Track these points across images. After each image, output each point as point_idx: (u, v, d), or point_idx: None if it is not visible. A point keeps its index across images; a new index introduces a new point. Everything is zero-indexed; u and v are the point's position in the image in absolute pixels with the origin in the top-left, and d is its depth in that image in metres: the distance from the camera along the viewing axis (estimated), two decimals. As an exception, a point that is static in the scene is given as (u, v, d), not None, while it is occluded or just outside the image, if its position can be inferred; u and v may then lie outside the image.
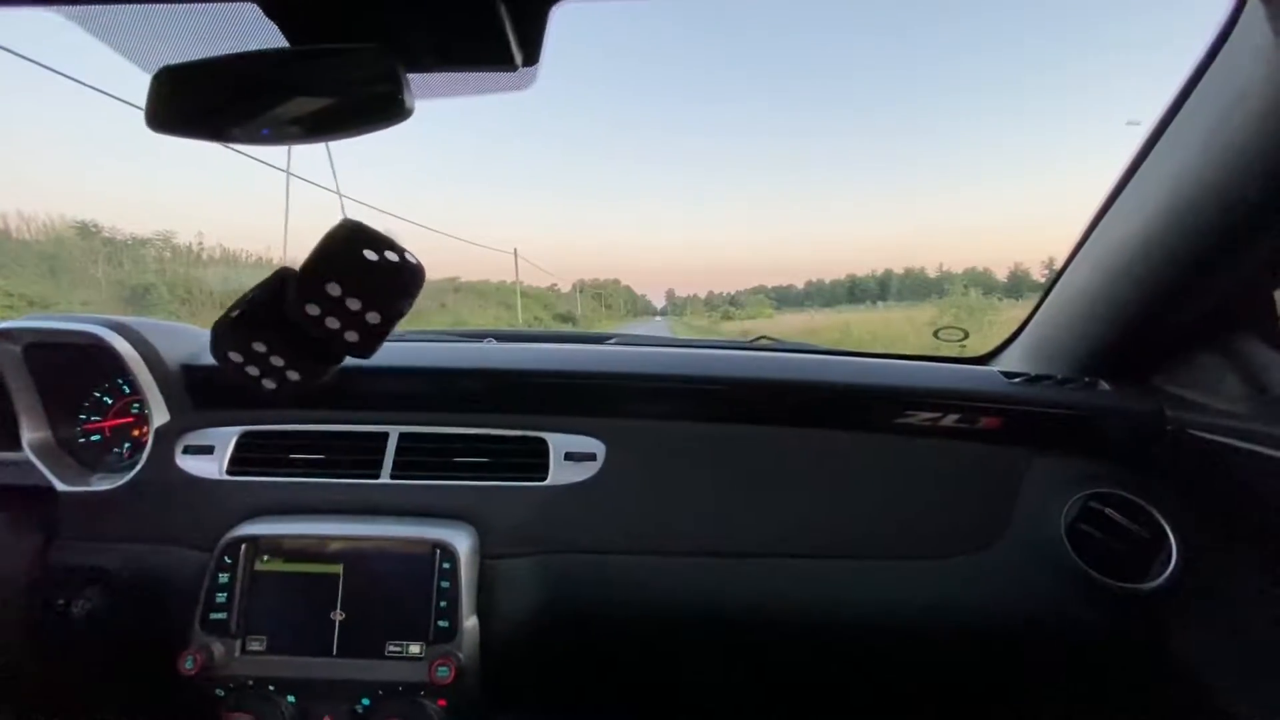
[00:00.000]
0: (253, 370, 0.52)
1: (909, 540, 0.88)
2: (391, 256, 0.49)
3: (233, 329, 0.51)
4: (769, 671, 0.94)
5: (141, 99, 0.51)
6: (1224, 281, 0.76)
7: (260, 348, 0.51)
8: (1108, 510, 0.84)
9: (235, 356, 0.51)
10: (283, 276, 0.51)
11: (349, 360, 0.95)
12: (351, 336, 0.50)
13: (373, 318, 0.49)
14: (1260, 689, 0.72)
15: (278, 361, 0.52)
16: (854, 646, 0.89)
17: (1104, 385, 0.93)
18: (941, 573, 0.86)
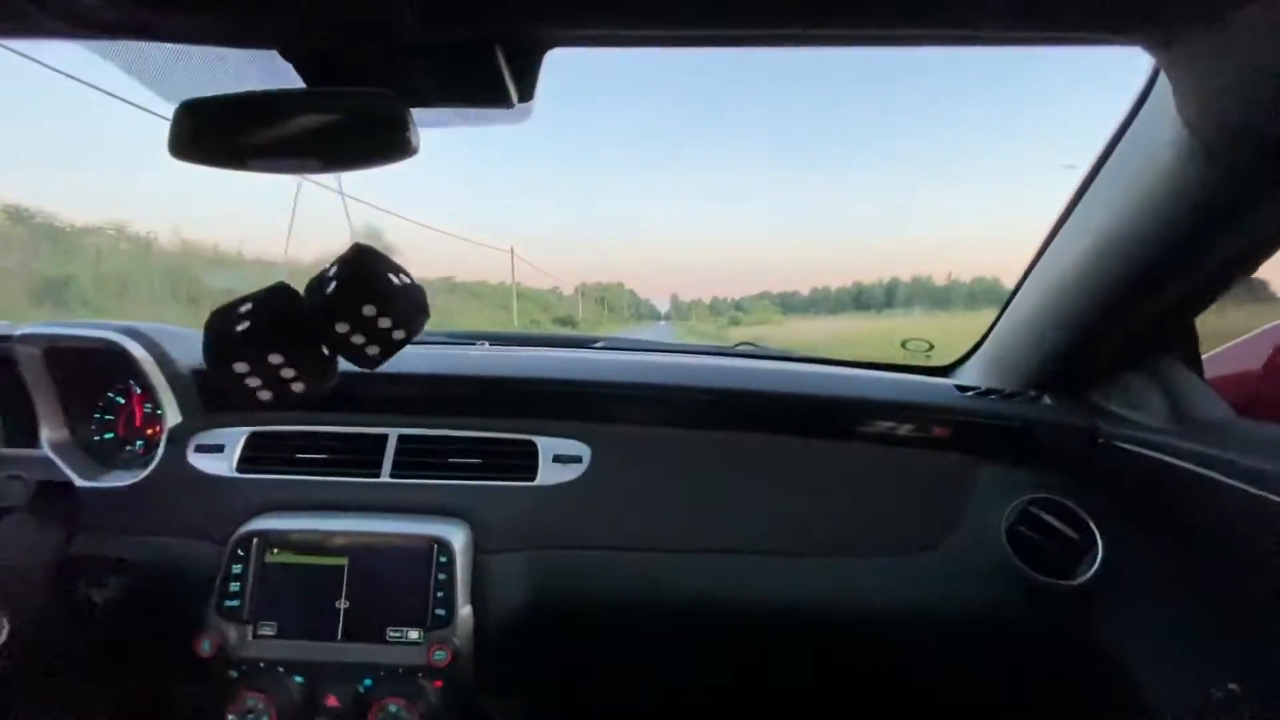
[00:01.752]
0: (253, 382, 0.51)
1: (868, 539, 0.97)
2: (405, 278, 0.53)
3: (244, 342, 0.50)
4: (738, 657, 1.03)
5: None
6: (1149, 310, 0.85)
7: (276, 360, 0.51)
8: (1043, 514, 0.93)
9: (240, 368, 0.50)
10: (287, 291, 0.54)
11: (345, 366, 1.02)
12: (373, 350, 0.53)
13: (399, 335, 0.52)
14: (1173, 677, 0.82)
15: (287, 374, 0.52)
16: (819, 638, 0.98)
17: (1046, 399, 1.02)
18: (895, 569, 0.95)
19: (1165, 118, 0.65)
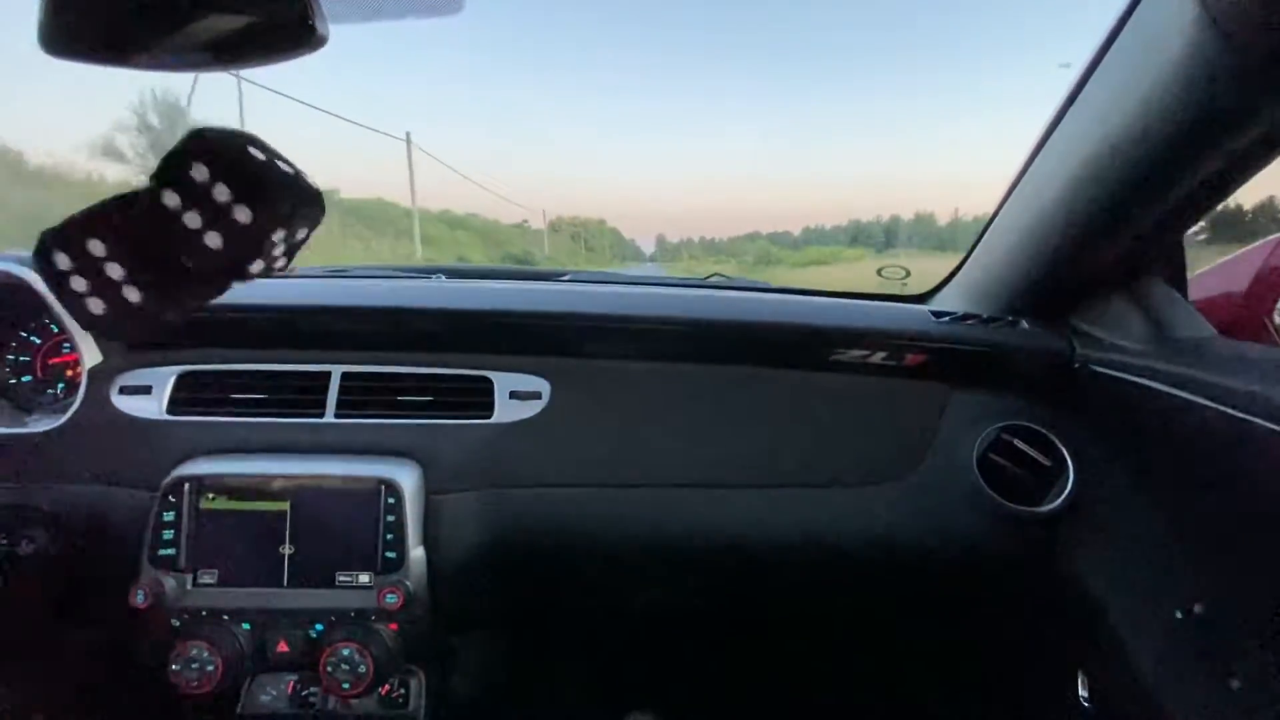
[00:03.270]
0: (78, 284, 0.40)
1: (837, 469, 0.94)
2: (285, 166, 0.42)
3: (66, 227, 0.40)
4: (704, 595, 1.02)
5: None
6: (1138, 227, 0.80)
7: (97, 249, 0.40)
8: (1016, 441, 0.91)
9: (61, 260, 0.40)
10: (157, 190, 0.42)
11: (287, 297, 0.92)
12: (213, 241, 0.40)
13: (242, 214, 0.40)
14: (1140, 602, 0.82)
15: (114, 273, 0.41)
16: (786, 569, 0.96)
17: (1024, 324, 0.98)
18: (865, 499, 0.93)
19: (1174, 4, 0.58)
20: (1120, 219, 0.79)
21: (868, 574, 0.98)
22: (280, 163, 0.42)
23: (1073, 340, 0.93)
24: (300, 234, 0.44)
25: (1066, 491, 0.87)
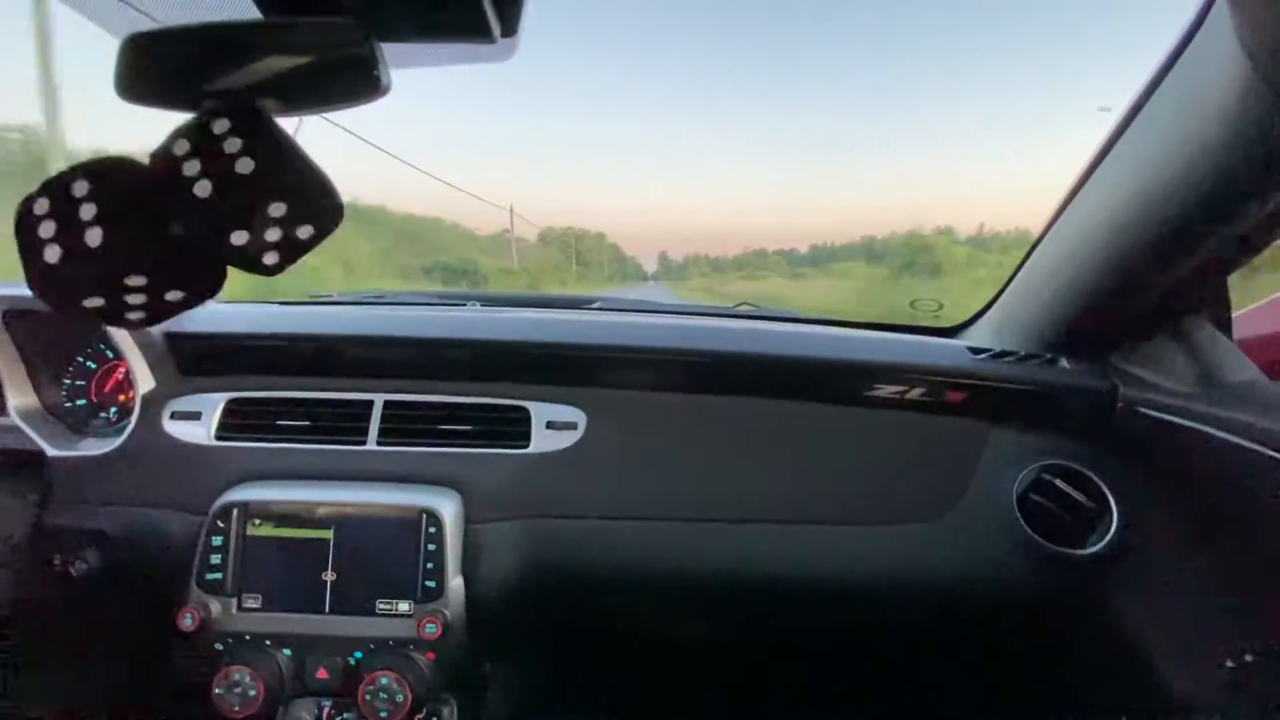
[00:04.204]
0: (51, 254, 0.35)
1: (872, 507, 0.94)
2: (314, 163, 0.39)
3: (54, 181, 0.35)
4: (737, 630, 1.01)
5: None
6: (1181, 268, 0.79)
7: (80, 190, 0.35)
8: (1057, 481, 0.89)
9: (40, 205, 0.35)
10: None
11: (330, 327, 0.95)
12: (202, 190, 0.36)
13: (244, 165, 0.36)
14: (1187, 650, 0.79)
15: (92, 239, 0.35)
16: (819, 606, 0.96)
17: (1064, 362, 0.97)
18: (901, 538, 0.92)
19: (1220, 48, 0.58)
20: (1164, 261, 0.79)
21: (902, 615, 0.97)
22: (311, 160, 0.39)
23: (1114, 379, 0.92)
24: (303, 231, 0.39)
25: (1110, 534, 0.86)
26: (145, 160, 0.37)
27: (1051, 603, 0.90)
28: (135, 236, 0.37)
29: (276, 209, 0.37)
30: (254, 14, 0.51)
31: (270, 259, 0.39)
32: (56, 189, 0.35)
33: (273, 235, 0.38)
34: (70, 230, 0.35)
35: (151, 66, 0.52)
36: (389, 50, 0.51)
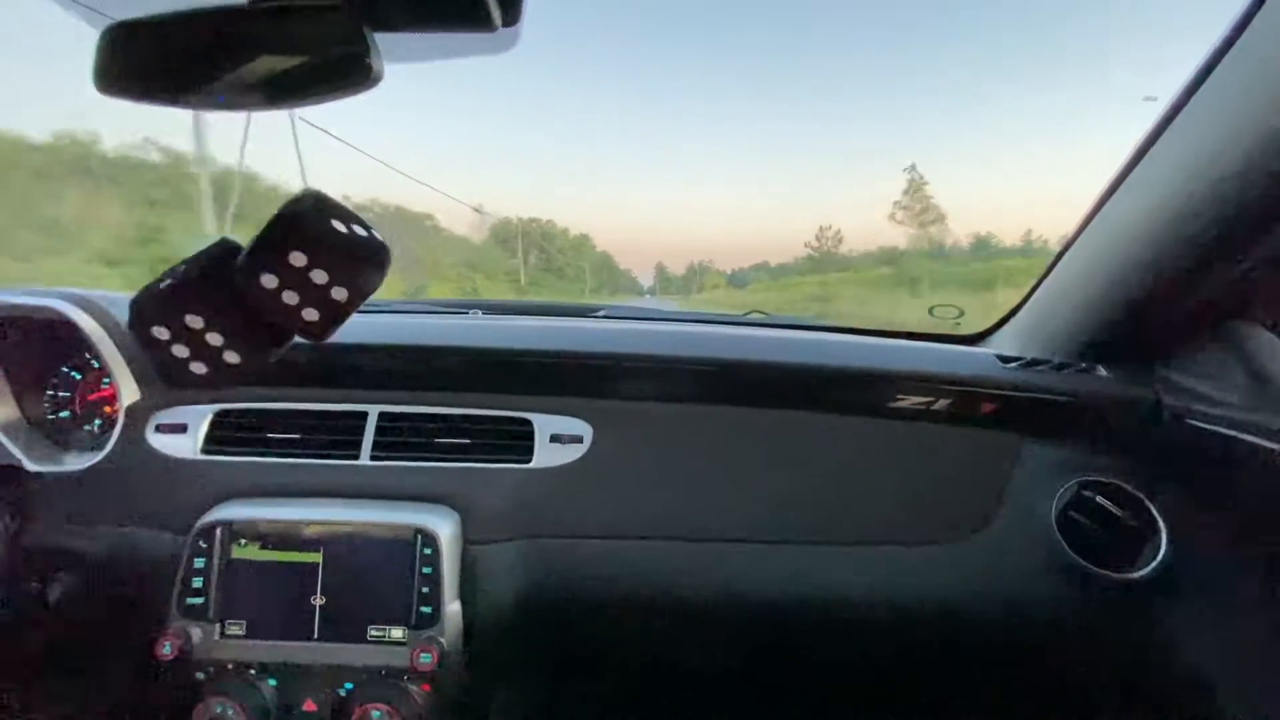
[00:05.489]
0: (180, 351, 0.45)
1: (898, 526, 0.88)
2: (360, 231, 0.45)
3: (161, 301, 0.44)
4: (754, 656, 0.95)
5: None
6: (1232, 268, 0.74)
7: (195, 323, 0.44)
8: (1099, 498, 0.83)
9: (160, 333, 0.44)
10: (228, 246, 0.46)
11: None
12: (310, 315, 0.44)
13: (339, 294, 0.44)
14: (1242, 683, 0.73)
15: (215, 340, 0.45)
16: (840, 634, 0.89)
17: (1101, 371, 0.91)
18: (930, 559, 0.86)
19: (1275, 34, 0.53)
20: (1213, 261, 0.73)
21: (930, 644, 0.90)
22: (358, 227, 0.44)
23: (1159, 389, 0.86)
24: (373, 287, 0.46)
25: (1160, 555, 0.79)
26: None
27: (1095, 630, 0.83)
28: (248, 332, 0.45)
29: (360, 298, 0.44)
30: (241, 0, 0.48)
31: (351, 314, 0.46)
32: (163, 313, 0.44)
33: (357, 305, 0.45)
34: (194, 341, 0.44)
35: (133, 58, 0.48)
36: (387, 42, 0.47)
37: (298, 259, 0.42)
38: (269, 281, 0.42)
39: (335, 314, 0.45)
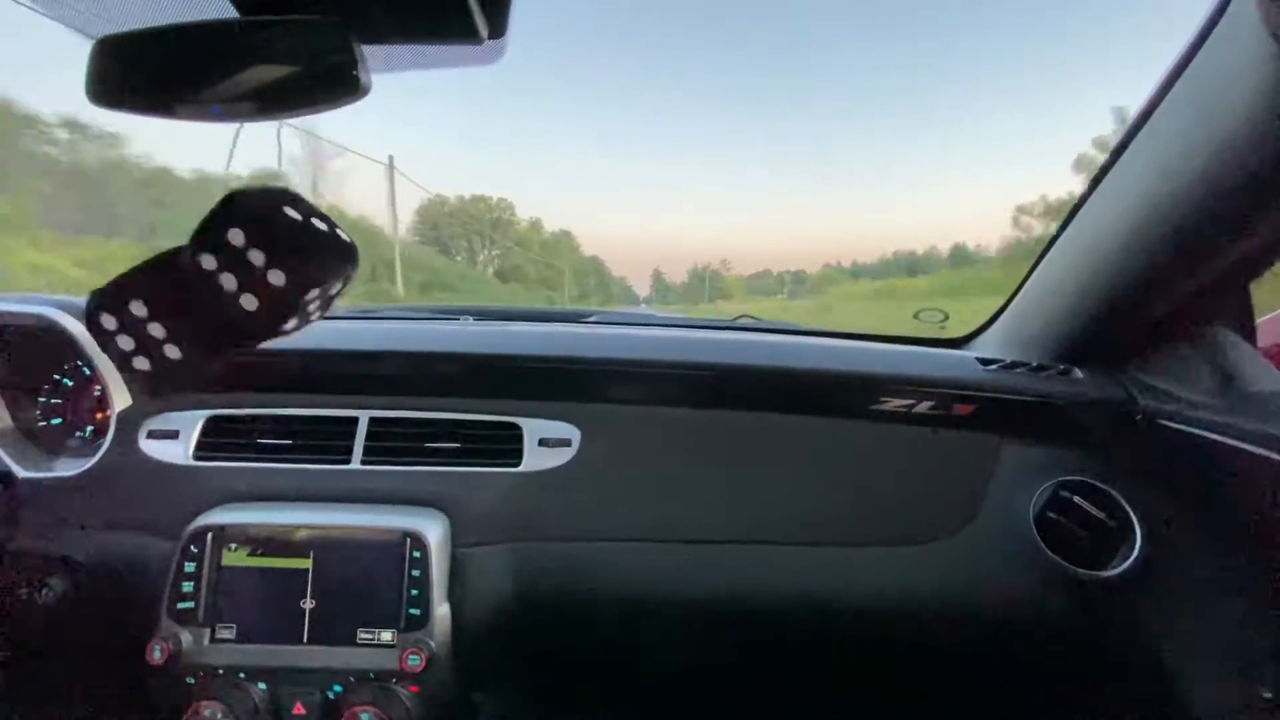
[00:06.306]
0: (125, 343, 0.43)
1: (880, 527, 0.89)
2: (319, 224, 0.43)
3: (111, 290, 0.43)
4: (741, 658, 0.96)
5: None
6: (1202, 273, 0.76)
7: (139, 310, 0.42)
8: (1075, 498, 0.85)
9: (108, 321, 0.43)
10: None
11: (316, 342, 0.92)
12: (248, 303, 0.41)
13: (275, 278, 0.41)
14: (1216, 679, 0.75)
15: (157, 333, 0.43)
16: (824, 633, 0.91)
17: (1078, 373, 0.93)
18: (910, 559, 0.88)
19: (1245, 38, 0.55)
20: (1184, 265, 0.75)
21: (911, 641, 0.92)
22: (316, 220, 0.43)
23: (1132, 391, 0.88)
24: (334, 288, 0.44)
25: (1135, 553, 0.81)
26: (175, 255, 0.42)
27: (1072, 627, 0.85)
28: (190, 325, 0.43)
29: (312, 294, 0.42)
30: (232, 14, 0.49)
31: (315, 318, 0.45)
32: (114, 303, 0.43)
33: (313, 305, 0.44)
34: (138, 331, 0.43)
35: (126, 70, 0.49)
36: (375, 54, 0.48)
37: (236, 237, 0.40)
38: (208, 263, 0.41)
39: (276, 306, 0.42)
